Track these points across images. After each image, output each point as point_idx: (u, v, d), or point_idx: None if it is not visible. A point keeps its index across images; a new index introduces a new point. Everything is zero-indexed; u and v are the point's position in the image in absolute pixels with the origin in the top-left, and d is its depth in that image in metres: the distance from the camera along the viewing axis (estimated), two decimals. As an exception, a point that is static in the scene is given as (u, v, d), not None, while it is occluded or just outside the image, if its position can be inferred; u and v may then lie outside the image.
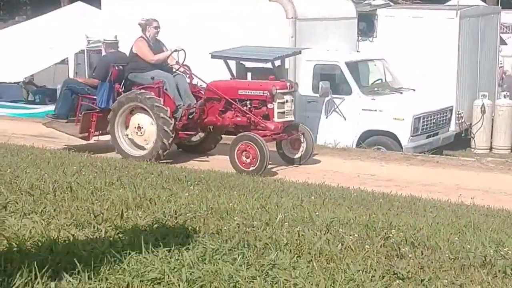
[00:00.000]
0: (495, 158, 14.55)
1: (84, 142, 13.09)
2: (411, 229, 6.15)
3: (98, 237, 4.98)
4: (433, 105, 15.70)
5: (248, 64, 14.91)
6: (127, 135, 12.31)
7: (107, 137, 12.79)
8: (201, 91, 12.60)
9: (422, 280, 4.69)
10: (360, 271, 4.69)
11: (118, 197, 6.40)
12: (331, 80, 15.19)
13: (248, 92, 12.15)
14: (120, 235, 5.10)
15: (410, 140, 14.83)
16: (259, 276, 4.41)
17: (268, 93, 11.87)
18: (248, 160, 11.23)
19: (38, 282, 4.04)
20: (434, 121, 15.50)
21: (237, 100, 12.12)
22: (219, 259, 4.69)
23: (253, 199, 7.24)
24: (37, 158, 9.61)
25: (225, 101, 12.16)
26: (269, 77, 12.24)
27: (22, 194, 6.33)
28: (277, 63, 14.68)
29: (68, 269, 4.31)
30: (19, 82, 21.72)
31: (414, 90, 16.00)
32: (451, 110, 16.50)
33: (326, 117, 15.32)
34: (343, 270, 4.69)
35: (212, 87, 12.33)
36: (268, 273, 4.52)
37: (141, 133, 12.20)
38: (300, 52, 15.04)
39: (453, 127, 16.97)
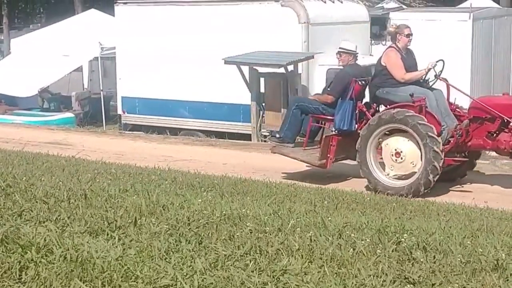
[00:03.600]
0: (510, 160, 14.47)
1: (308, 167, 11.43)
2: (423, 233, 6.17)
3: (111, 244, 5.02)
4: (446, 108, 15.63)
5: (261, 69, 15.03)
6: (381, 162, 10.49)
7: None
8: (457, 109, 10.80)
9: (433, 285, 4.71)
10: (371, 276, 4.72)
11: (131, 204, 6.44)
12: (344, 84, 15.19)
13: None
14: (133, 242, 5.15)
15: (424, 142, 14.76)
16: (270, 282, 4.45)
17: None
18: None
19: (52, 290, 4.10)
20: (448, 123, 15.43)
21: None
22: (231, 265, 4.73)
23: (266, 205, 7.28)
24: (52, 165, 9.68)
25: (500, 121, 10.28)
26: None
27: (37, 202, 6.38)
28: (290, 68, 14.79)
29: (82, 276, 4.36)
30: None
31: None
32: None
33: (340, 121, 15.27)
34: (354, 275, 4.72)
35: (483, 104, 10.44)
36: (279, 278, 4.56)
37: (400, 159, 10.23)
38: (313, 57, 15.11)
39: (467, 130, 16.90)
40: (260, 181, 9.93)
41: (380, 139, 10.43)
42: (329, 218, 6.56)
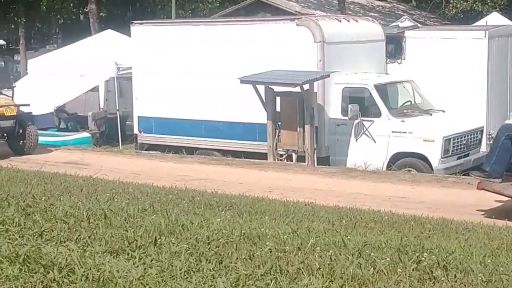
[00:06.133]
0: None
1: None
2: (443, 252, 6.15)
3: (132, 264, 5.04)
4: (463, 126, 15.64)
5: (277, 89, 15.07)
6: None
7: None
8: None
9: (455, 304, 4.69)
10: (393, 295, 4.70)
11: (151, 224, 6.47)
12: (360, 103, 15.23)
13: None
14: (154, 262, 5.16)
15: (440, 161, 14.77)
16: (292, 301, 4.44)
17: None
18: None
19: (75, 310, 4.10)
20: (464, 142, 15.43)
21: None
22: (252, 284, 4.73)
23: (284, 224, 7.28)
24: (70, 185, 9.73)
25: None
26: None
27: (57, 221, 6.41)
28: (306, 87, 14.82)
29: (104, 296, 4.38)
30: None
31: (443, 111, 15.98)
32: (482, 131, 16.40)
33: (356, 140, 15.33)
34: (376, 295, 4.70)
35: None
36: (301, 298, 4.55)
37: None
38: (328, 76, 15.13)
39: (484, 148, 16.84)
40: (278, 200, 9.93)
41: None
42: (348, 237, 6.55)
